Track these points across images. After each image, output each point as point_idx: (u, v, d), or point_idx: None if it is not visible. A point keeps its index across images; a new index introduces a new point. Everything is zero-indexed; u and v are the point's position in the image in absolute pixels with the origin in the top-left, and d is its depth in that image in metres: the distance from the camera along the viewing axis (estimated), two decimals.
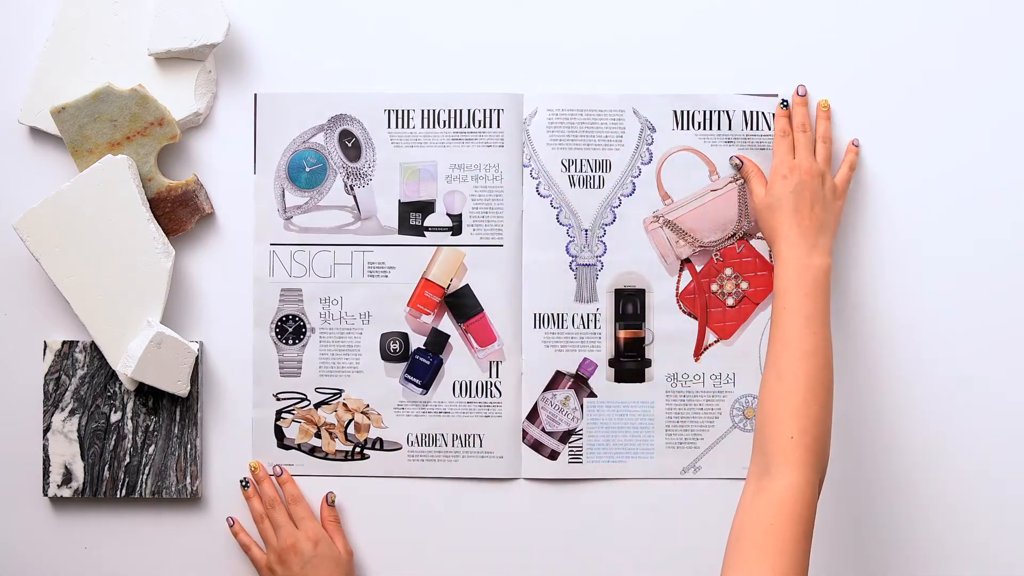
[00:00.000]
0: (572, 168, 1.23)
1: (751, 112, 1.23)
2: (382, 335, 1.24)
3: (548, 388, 1.24)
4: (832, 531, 1.22)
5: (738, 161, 1.21)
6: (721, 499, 1.22)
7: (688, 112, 1.23)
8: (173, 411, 1.22)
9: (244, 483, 1.22)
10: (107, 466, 1.22)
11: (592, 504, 1.23)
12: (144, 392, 1.22)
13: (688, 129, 1.23)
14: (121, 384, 1.21)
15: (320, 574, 1.16)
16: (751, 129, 1.23)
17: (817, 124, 1.20)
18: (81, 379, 1.22)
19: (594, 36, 1.23)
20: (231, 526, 1.22)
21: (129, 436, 1.22)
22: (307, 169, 1.24)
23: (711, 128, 1.23)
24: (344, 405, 1.24)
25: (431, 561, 1.23)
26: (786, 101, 1.21)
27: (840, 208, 1.18)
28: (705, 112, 1.23)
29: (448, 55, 1.23)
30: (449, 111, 1.23)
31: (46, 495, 1.22)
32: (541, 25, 1.23)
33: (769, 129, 1.22)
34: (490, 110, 1.23)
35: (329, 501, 1.22)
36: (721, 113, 1.23)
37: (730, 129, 1.23)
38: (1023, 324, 1.22)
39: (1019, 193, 1.23)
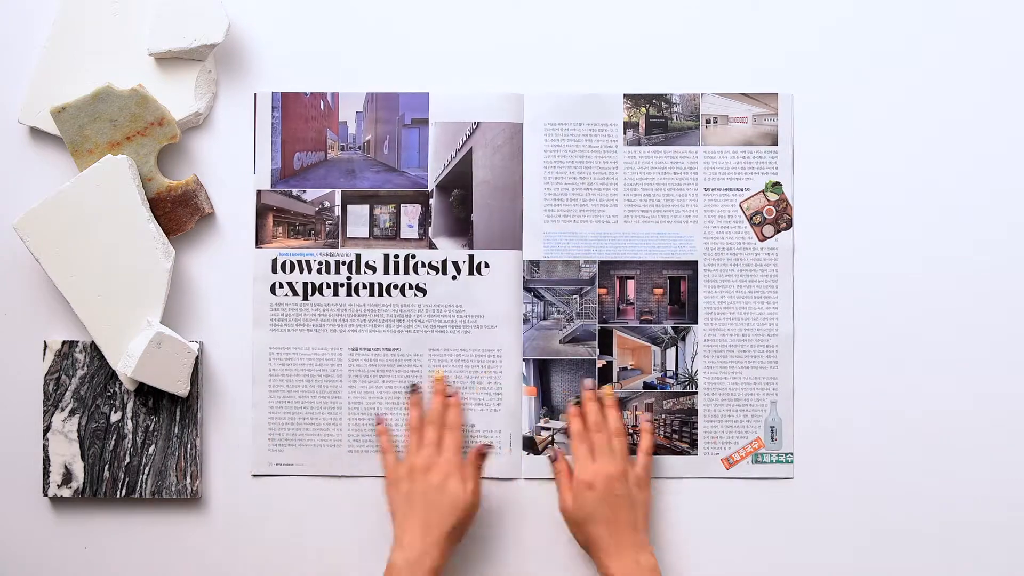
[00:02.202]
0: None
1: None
2: None
3: None
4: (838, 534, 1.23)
5: (553, 455, 1.21)
6: (721, 498, 1.22)
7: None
8: (173, 411, 1.22)
9: (413, 387, 1.21)
10: (107, 466, 1.22)
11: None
12: (144, 392, 1.22)
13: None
14: (121, 384, 1.21)
15: (438, 506, 1.14)
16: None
17: (607, 417, 1.19)
18: (81, 379, 1.22)
19: (593, 36, 1.23)
20: (378, 424, 1.20)
21: (129, 436, 1.22)
22: None
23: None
24: None
25: None
26: (579, 398, 1.21)
27: (648, 497, 1.17)
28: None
29: (449, 55, 1.23)
30: None
31: (46, 495, 1.22)
32: (542, 25, 1.23)
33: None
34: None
35: (482, 451, 1.19)
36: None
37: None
38: (1018, 322, 1.23)
39: (1018, 193, 1.23)
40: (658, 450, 1.23)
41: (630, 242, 1.24)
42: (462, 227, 1.24)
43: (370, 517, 1.23)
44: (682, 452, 1.24)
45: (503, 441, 1.23)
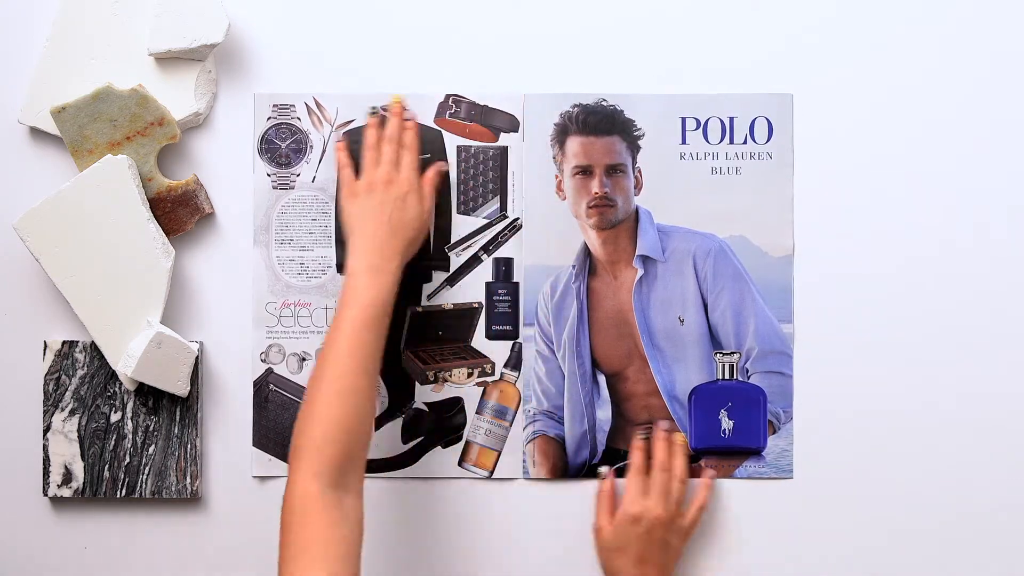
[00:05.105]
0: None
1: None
2: None
3: None
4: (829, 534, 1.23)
5: (604, 474, 1.21)
6: (723, 498, 1.23)
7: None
8: (173, 411, 1.22)
9: (373, 110, 1.19)
10: (107, 466, 1.22)
11: (593, 504, 1.23)
12: (144, 392, 1.22)
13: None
14: (121, 384, 1.21)
15: (397, 218, 1.13)
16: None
17: (673, 462, 1.19)
18: (81, 379, 1.22)
19: (592, 38, 1.23)
20: (338, 140, 1.19)
21: (129, 436, 1.22)
22: None
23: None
24: None
25: (431, 561, 1.23)
26: (646, 434, 1.20)
27: (683, 548, 1.18)
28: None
29: (449, 55, 1.23)
30: None
31: (46, 495, 1.22)
32: (543, 27, 1.23)
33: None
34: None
35: (441, 170, 1.19)
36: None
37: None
38: (1017, 321, 1.23)
39: (1017, 191, 1.23)
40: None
41: None
42: None
43: (370, 518, 1.23)
44: None
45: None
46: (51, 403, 1.21)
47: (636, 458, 1.19)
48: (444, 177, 1.20)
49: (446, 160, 1.22)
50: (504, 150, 1.23)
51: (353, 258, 1.11)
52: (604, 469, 1.22)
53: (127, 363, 1.18)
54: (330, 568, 0.97)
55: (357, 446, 1.05)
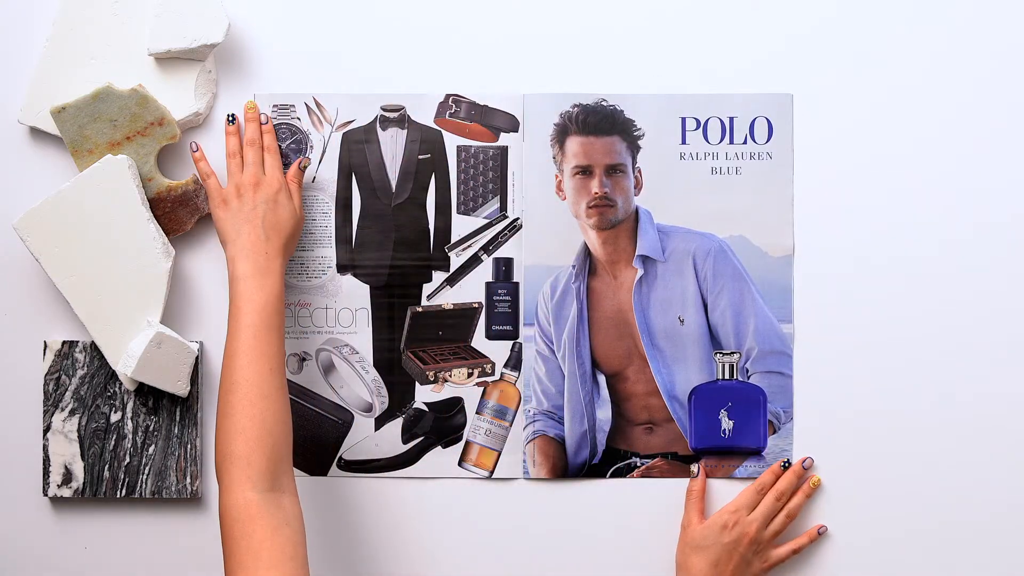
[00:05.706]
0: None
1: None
2: None
3: None
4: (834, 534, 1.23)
5: (696, 471, 1.22)
6: (723, 498, 1.22)
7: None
8: (173, 411, 1.22)
9: (230, 118, 1.20)
10: (107, 466, 1.22)
11: (593, 504, 1.23)
12: (144, 392, 1.22)
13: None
14: (121, 384, 1.21)
15: (272, 219, 1.14)
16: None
17: (794, 496, 1.20)
18: (81, 379, 1.22)
19: (591, 39, 1.23)
20: (194, 151, 1.19)
21: (129, 436, 1.22)
22: None
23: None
24: None
25: (431, 561, 1.23)
26: (789, 463, 1.21)
27: (760, 573, 1.19)
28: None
29: (449, 55, 1.23)
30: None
31: (46, 495, 1.22)
32: (544, 27, 1.23)
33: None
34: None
35: (301, 165, 1.20)
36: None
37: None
38: (1016, 321, 1.23)
39: (1018, 191, 1.23)
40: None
41: None
42: None
43: (370, 518, 1.23)
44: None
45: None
46: (51, 403, 1.22)
47: (766, 476, 1.21)
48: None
49: (446, 160, 1.22)
50: (504, 150, 1.23)
51: (236, 264, 1.12)
52: (695, 467, 1.22)
53: (127, 363, 1.18)
54: (283, 570, 1.00)
55: (283, 448, 1.07)
